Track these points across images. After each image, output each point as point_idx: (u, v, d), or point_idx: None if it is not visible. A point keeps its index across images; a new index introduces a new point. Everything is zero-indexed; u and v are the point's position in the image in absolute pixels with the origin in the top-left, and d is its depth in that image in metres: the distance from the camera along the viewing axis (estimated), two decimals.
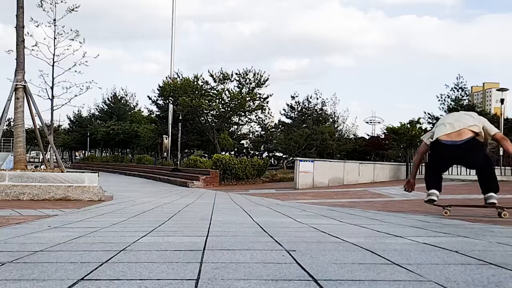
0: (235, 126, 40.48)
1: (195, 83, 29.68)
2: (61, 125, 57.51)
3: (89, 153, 55.69)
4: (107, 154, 53.65)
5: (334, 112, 42.47)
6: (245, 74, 30.36)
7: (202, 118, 30.47)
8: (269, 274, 1.50)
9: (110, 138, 44.49)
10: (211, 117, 31.04)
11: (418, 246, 2.15)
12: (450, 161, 5.07)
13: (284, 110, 43.79)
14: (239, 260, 1.77)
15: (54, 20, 14.59)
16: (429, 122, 41.73)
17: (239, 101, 28.25)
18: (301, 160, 16.06)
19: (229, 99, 29.02)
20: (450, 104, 39.79)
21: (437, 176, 5.11)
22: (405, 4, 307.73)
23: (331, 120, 41.52)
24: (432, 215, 4.97)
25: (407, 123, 41.88)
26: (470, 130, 4.67)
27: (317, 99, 41.41)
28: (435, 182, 5.05)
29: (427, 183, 5.11)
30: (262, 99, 31.17)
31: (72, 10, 14.61)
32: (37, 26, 14.31)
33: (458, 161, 5.04)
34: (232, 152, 37.51)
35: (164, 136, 32.49)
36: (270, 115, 39.91)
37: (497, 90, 28.20)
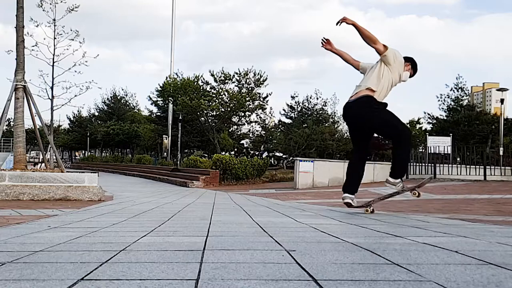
0: (235, 126, 40.48)
1: (195, 83, 29.68)
2: (61, 125, 57.58)
3: (89, 153, 55.71)
4: (107, 154, 53.65)
5: (334, 112, 42.51)
6: (245, 74, 30.36)
7: (202, 119, 30.48)
8: (269, 274, 1.50)
9: (110, 138, 44.53)
10: (211, 117, 31.06)
11: (418, 246, 2.15)
12: (353, 129, 4.63)
13: (284, 110, 43.82)
14: (239, 260, 1.77)
15: (54, 20, 14.60)
16: (429, 122, 41.77)
17: (238, 101, 28.25)
18: (301, 160, 16.06)
19: (228, 99, 29.03)
20: (450, 104, 39.81)
21: (352, 172, 4.78)
22: (405, 4, 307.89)
23: (331, 120, 41.53)
24: (432, 215, 4.97)
25: (407, 123, 41.93)
26: (368, 89, 4.27)
27: (317, 99, 41.45)
28: (347, 181, 4.76)
29: (344, 181, 4.80)
30: (262, 99, 31.19)
31: (72, 10, 14.63)
32: (37, 26, 14.35)
33: (357, 127, 4.51)
34: (232, 152, 37.54)
35: (164, 136, 32.50)
36: (271, 115, 39.93)
37: (497, 90, 28.21)
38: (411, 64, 4.53)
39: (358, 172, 4.77)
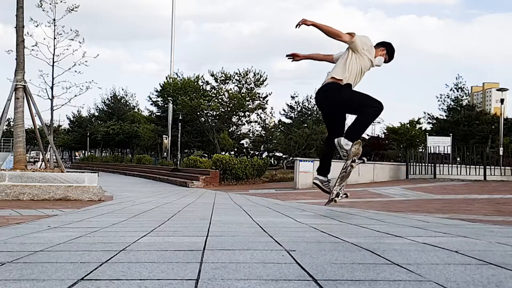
0: (235, 127, 40.50)
1: (196, 83, 29.70)
2: (61, 125, 57.58)
3: (89, 153, 55.70)
4: (107, 154, 53.65)
5: None
6: (245, 74, 30.37)
7: (202, 119, 30.49)
8: (269, 274, 1.50)
9: (110, 138, 44.52)
10: (211, 118, 31.07)
11: (418, 246, 2.15)
12: (325, 115, 4.65)
13: (284, 110, 43.82)
14: (239, 260, 1.77)
15: (54, 20, 14.60)
16: (428, 122, 41.78)
17: (238, 101, 28.25)
18: (301, 160, 16.06)
19: (228, 99, 29.04)
20: (450, 104, 39.81)
21: (325, 156, 4.81)
22: (405, 4, 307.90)
23: None
24: (432, 215, 4.96)
25: (407, 123, 41.95)
26: (332, 78, 4.29)
27: None
28: (320, 164, 4.80)
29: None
30: (261, 99, 31.18)
31: (72, 10, 14.63)
32: (36, 26, 14.35)
33: (327, 110, 4.54)
34: (232, 152, 37.53)
35: (164, 136, 32.50)
36: (272, 115, 39.91)
37: (497, 90, 28.21)
38: (387, 49, 4.47)
39: (330, 155, 4.83)
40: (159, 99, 37.11)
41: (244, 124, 38.87)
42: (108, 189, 9.58)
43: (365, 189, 12.55)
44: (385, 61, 4.51)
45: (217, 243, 2.31)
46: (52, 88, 14.39)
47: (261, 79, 30.61)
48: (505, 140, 28.15)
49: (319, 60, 4.93)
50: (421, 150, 28.21)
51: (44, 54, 14.12)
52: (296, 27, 4.26)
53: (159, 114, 40.40)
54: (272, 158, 42.60)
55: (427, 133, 30.22)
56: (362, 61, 4.31)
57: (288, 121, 43.31)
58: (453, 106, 39.51)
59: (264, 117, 39.00)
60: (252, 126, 41.05)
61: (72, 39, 14.61)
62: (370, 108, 4.25)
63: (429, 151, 20.52)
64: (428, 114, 41.36)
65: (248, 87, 30.33)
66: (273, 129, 42.90)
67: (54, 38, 14.50)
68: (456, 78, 40.11)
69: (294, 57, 4.88)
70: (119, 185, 15.49)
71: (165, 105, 34.35)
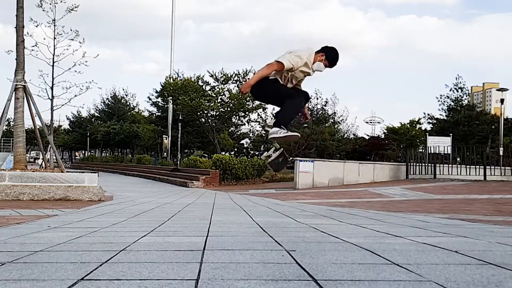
0: (235, 127, 40.49)
1: (196, 83, 29.68)
2: (61, 125, 57.58)
3: (89, 153, 55.67)
4: (107, 154, 53.62)
5: (335, 112, 42.52)
6: (245, 75, 30.35)
7: (203, 119, 30.49)
8: (269, 274, 1.50)
9: (110, 138, 44.48)
10: (211, 118, 31.07)
11: (418, 246, 2.15)
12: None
13: None
14: (239, 260, 1.77)
15: (54, 20, 14.61)
16: (429, 123, 41.77)
17: (238, 101, 28.24)
18: (301, 160, 16.06)
19: (228, 99, 29.03)
20: (450, 104, 39.81)
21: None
22: (405, 4, 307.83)
23: (331, 121, 41.53)
24: (432, 215, 4.96)
25: (407, 123, 41.95)
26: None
27: (317, 99, 41.42)
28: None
29: None
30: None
31: (72, 10, 14.63)
32: (36, 26, 14.34)
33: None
34: (232, 152, 37.53)
35: (164, 136, 32.50)
36: (272, 115, 39.88)
37: (497, 90, 28.20)
38: (326, 55, 4.30)
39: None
40: (159, 99, 37.07)
41: (244, 124, 38.85)
42: (108, 189, 9.58)
43: (365, 189, 12.55)
44: (327, 66, 4.34)
45: (217, 243, 2.31)
46: (52, 88, 14.40)
47: None
48: (505, 140, 28.14)
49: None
50: (421, 150, 28.20)
51: (44, 54, 14.13)
52: (242, 95, 4.28)
53: (159, 114, 40.38)
54: None
55: (427, 133, 30.23)
56: (297, 74, 4.29)
57: None
58: (453, 106, 39.50)
59: (265, 116, 38.97)
60: (252, 126, 41.06)
61: (72, 39, 14.63)
62: (297, 97, 4.30)
63: (429, 151, 20.51)
64: (428, 115, 41.36)
65: None
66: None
67: (54, 38, 14.50)
68: (456, 78, 40.10)
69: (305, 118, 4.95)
70: (119, 185, 15.49)
71: (165, 105, 34.32)
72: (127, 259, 1.82)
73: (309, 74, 4.35)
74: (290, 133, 4.24)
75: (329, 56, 4.30)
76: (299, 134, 4.62)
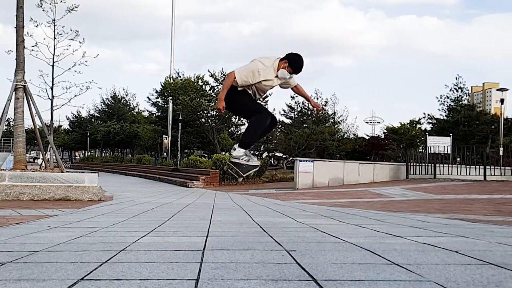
0: (235, 127, 40.49)
1: (196, 83, 29.68)
2: (61, 125, 57.54)
3: (89, 153, 55.64)
4: (107, 154, 53.59)
5: (335, 112, 42.53)
6: None
7: (203, 119, 30.49)
8: (269, 274, 1.50)
9: (110, 138, 44.45)
10: (211, 118, 31.06)
11: (418, 246, 2.15)
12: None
13: (284, 110, 43.80)
14: (239, 260, 1.77)
15: (54, 20, 14.62)
16: (429, 123, 41.78)
17: None
18: (301, 160, 16.06)
19: None
20: (450, 104, 39.80)
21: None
22: (405, 4, 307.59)
23: (331, 121, 41.53)
24: (432, 215, 4.96)
25: (407, 123, 41.94)
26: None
27: (317, 99, 41.39)
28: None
29: None
30: (261, 99, 31.19)
31: (72, 10, 14.63)
32: (36, 26, 14.34)
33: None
34: None
35: (164, 136, 32.48)
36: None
37: (497, 90, 28.20)
38: (288, 62, 4.29)
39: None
40: (159, 99, 37.08)
41: (244, 124, 38.86)
42: (108, 189, 9.58)
43: (365, 189, 12.55)
44: (291, 73, 4.33)
45: (217, 243, 2.31)
46: (52, 88, 14.40)
47: None
48: (505, 140, 28.13)
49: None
50: (421, 150, 28.18)
51: (44, 54, 14.13)
52: (221, 112, 4.39)
53: (159, 114, 40.38)
54: (272, 158, 42.61)
55: (427, 133, 30.21)
56: (259, 86, 4.32)
57: (288, 121, 43.32)
58: (453, 107, 39.49)
59: None
60: None
61: (72, 39, 14.63)
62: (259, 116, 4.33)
63: (429, 151, 20.51)
64: (428, 115, 41.36)
65: None
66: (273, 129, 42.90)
67: (54, 38, 14.50)
68: (456, 78, 40.08)
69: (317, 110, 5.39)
70: (119, 185, 15.49)
71: (165, 105, 34.32)
72: (127, 259, 1.82)
73: (276, 83, 4.35)
74: (250, 163, 4.27)
75: (292, 63, 4.31)
76: (259, 164, 4.59)
